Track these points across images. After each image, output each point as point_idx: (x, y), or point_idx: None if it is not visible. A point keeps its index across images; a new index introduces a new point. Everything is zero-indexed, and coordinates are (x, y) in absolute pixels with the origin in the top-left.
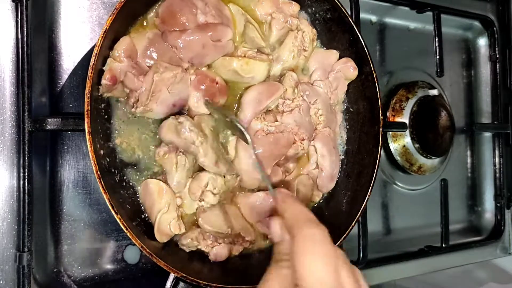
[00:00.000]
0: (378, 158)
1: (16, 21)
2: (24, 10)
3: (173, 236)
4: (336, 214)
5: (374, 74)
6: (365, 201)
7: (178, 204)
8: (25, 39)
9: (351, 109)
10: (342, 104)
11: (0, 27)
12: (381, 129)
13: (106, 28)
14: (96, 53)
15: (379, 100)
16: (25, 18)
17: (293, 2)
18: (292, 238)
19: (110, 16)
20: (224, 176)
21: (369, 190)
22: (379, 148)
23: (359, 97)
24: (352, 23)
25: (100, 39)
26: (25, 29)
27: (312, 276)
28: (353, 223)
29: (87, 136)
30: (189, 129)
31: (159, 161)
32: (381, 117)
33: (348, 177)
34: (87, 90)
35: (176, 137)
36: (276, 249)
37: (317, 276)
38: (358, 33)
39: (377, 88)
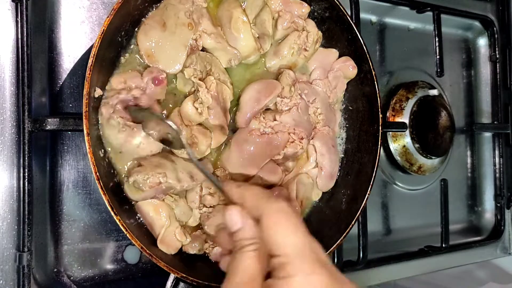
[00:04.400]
0: (377, 157)
1: (16, 21)
2: (24, 10)
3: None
4: (336, 213)
5: (373, 73)
6: (365, 199)
7: (186, 220)
8: (25, 39)
9: (350, 108)
10: (341, 102)
11: (0, 27)
12: (380, 127)
13: (104, 29)
14: (94, 54)
15: (378, 99)
16: (25, 18)
17: (304, 4)
18: (261, 216)
19: (107, 17)
20: (214, 173)
21: (369, 188)
22: (379, 146)
23: (358, 95)
24: (351, 22)
25: (98, 40)
26: (25, 29)
27: (289, 243)
28: (353, 222)
29: (86, 138)
30: (144, 180)
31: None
32: (380, 116)
33: (348, 175)
34: (85, 92)
35: (144, 193)
36: (237, 237)
37: (293, 241)
38: (356, 31)
39: (376, 86)
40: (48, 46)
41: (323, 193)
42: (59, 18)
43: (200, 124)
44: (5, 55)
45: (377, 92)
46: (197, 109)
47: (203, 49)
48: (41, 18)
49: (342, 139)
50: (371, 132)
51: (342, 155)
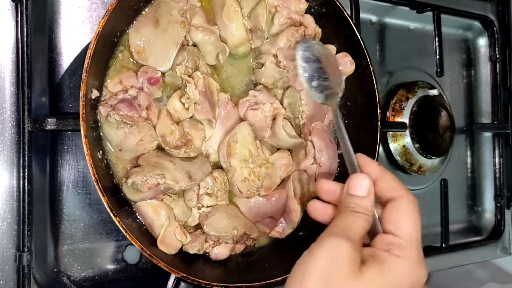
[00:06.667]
0: (377, 152)
1: (16, 21)
2: (24, 10)
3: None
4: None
5: (371, 68)
6: None
7: (185, 220)
8: (25, 39)
9: (349, 104)
10: (340, 99)
11: (0, 27)
12: (379, 123)
13: (99, 31)
14: (90, 56)
15: (377, 94)
16: (25, 18)
17: (303, 0)
18: (395, 198)
19: (102, 18)
20: (211, 173)
21: None
22: (378, 142)
23: (357, 91)
24: (348, 17)
25: (93, 41)
26: (25, 29)
27: (410, 231)
28: None
29: (83, 140)
30: (142, 181)
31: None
32: (379, 111)
33: (348, 172)
34: (81, 94)
35: (143, 194)
36: (353, 201)
37: (414, 231)
38: (353, 27)
39: (375, 82)
40: (48, 46)
41: None
42: (59, 18)
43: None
44: (5, 55)
45: (376, 87)
46: (184, 104)
47: (193, 45)
48: (41, 18)
49: None
50: (370, 128)
51: (342, 151)
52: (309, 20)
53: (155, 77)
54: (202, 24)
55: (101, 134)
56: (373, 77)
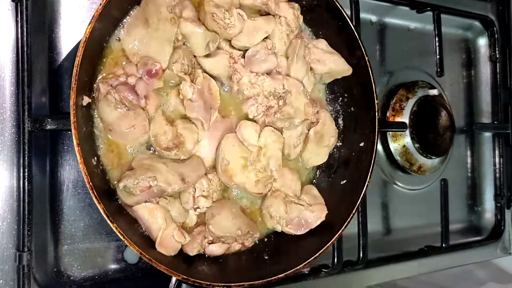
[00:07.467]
0: (375, 143)
1: (16, 21)
2: (24, 10)
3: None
4: (336, 203)
5: (367, 58)
6: (365, 187)
7: (182, 221)
8: (25, 39)
9: (345, 95)
10: (337, 95)
11: (0, 27)
12: (376, 114)
13: (86, 37)
14: (78, 63)
15: (373, 85)
16: (25, 18)
17: None
18: None
19: (89, 24)
20: (206, 174)
21: (368, 176)
22: (376, 132)
23: (353, 83)
24: (340, 8)
25: (80, 48)
26: (25, 29)
27: None
28: (353, 211)
29: (76, 148)
30: (134, 184)
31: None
32: (376, 102)
33: (346, 164)
34: (71, 102)
35: (136, 197)
36: None
37: None
38: (346, 17)
39: (370, 72)
40: (48, 45)
41: (323, 182)
42: (59, 18)
43: (185, 118)
44: (5, 55)
45: (372, 78)
46: (182, 100)
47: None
48: (41, 18)
49: (340, 128)
50: (368, 119)
51: (340, 143)
52: (284, 7)
53: (154, 69)
54: (192, 17)
55: (93, 114)
56: (369, 68)
